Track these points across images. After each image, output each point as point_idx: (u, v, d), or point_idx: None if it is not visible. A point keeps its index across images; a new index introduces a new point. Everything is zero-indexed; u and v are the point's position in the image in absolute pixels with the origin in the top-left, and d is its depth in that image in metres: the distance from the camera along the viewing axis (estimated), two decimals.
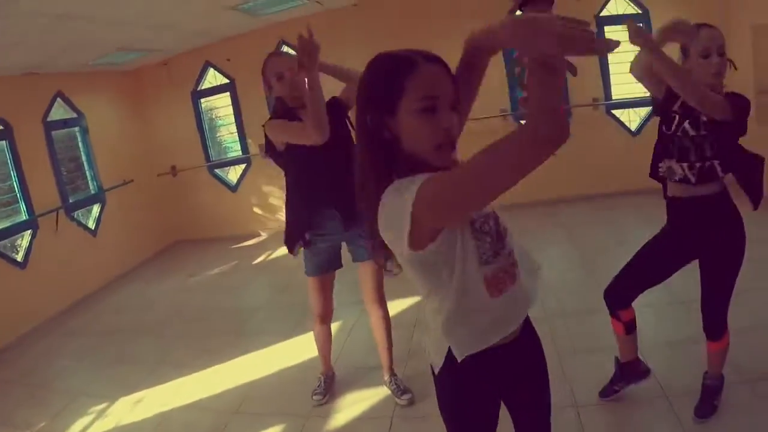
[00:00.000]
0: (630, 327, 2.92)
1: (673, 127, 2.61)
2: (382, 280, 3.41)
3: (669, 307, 3.99)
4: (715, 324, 2.73)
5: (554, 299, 4.41)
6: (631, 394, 3.10)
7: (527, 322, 1.69)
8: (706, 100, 2.33)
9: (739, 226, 2.60)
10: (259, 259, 7.33)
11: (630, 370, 3.03)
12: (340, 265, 3.45)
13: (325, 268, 3.37)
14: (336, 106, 3.14)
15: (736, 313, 3.47)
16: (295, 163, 3.18)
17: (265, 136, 3.13)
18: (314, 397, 3.60)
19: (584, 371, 3.32)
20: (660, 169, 2.72)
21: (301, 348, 4.43)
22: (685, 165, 2.58)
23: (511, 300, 1.55)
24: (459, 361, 1.52)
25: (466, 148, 1.50)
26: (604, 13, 7.19)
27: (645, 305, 3.90)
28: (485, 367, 1.58)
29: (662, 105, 2.70)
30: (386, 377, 3.56)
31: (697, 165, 2.55)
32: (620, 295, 2.88)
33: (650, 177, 2.83)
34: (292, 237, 3.27)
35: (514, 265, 1.57)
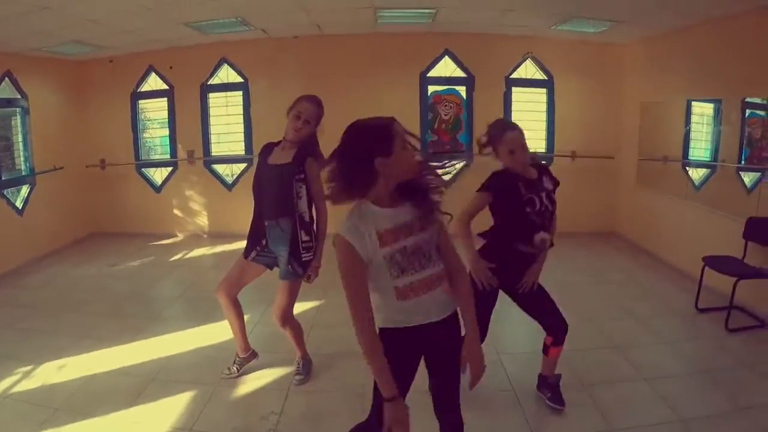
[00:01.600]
0: None
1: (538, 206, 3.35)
2: (293, 300, 3.97)
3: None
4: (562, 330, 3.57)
5: None
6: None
7: (452, 316, 2.43)
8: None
9: None
10: (176, 257, 7.78)
11: None
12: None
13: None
14: (300, 160, 3.74)
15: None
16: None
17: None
18: (227, 370, 4.26)
19: None
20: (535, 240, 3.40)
21: (214, 333, 5.06)
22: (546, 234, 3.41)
23: (420, 303, 2.30)
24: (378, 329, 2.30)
25: None
26: (514, 75, 8.21)
27: None
28: (403, 337, 2.34)
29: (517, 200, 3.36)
30: (297, 359, 4.26)
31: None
32: None
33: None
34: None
35: (431, 280, 2.31)
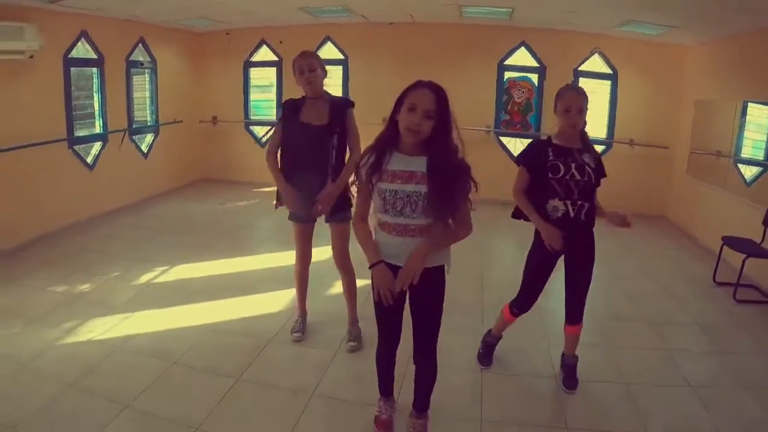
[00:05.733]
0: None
1: (561, 174, 3.25)
2: (347, 244, 3.96)
3: None
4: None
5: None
6: None
7: (435, 268, 2.59)
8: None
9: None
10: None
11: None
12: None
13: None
14: (337, 118, 3.82)
15: None
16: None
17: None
18: (293, 335, 4.31)
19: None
20: (548, 207, 3.30)
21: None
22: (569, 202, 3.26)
23: (397, 243, 2.54)
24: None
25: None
26: (582, 68, 8.94)
27: None
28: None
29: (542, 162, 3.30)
30: (348, 326, 4.28)
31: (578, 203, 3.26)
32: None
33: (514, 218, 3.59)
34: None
35: (403, 229, 2.51)
